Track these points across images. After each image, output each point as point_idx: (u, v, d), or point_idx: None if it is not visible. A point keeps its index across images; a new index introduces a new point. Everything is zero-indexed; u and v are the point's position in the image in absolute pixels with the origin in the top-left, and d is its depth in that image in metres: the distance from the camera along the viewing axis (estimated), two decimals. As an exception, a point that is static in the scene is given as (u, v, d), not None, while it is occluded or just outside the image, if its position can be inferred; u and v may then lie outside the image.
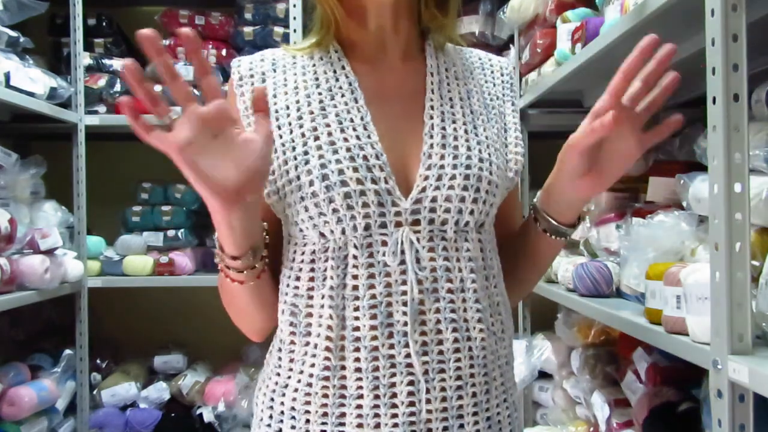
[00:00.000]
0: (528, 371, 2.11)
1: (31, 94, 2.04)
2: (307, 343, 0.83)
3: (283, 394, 0.84)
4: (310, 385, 0.82)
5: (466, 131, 0.86)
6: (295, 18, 2.34)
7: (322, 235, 0.82)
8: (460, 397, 0.82)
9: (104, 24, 2.57)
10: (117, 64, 2.54)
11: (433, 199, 0.82)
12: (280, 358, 0.86)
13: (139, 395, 2.46)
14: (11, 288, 1.93)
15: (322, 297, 0.81)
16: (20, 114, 2.30)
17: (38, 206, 2.22)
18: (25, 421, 2.05)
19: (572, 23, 1.80)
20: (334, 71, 0.88)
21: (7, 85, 1.93)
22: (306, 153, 0.82)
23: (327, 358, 0.81)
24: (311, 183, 0.81)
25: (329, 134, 0.82)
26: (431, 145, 0.84)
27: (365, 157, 0.81)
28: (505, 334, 0.89)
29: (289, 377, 0.84)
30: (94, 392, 2.43)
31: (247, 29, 2.47)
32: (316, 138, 0.82)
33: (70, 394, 2.35)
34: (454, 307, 0.82)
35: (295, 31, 2.34)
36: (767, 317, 1.00)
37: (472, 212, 0.83)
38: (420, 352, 0.80)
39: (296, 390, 0.83)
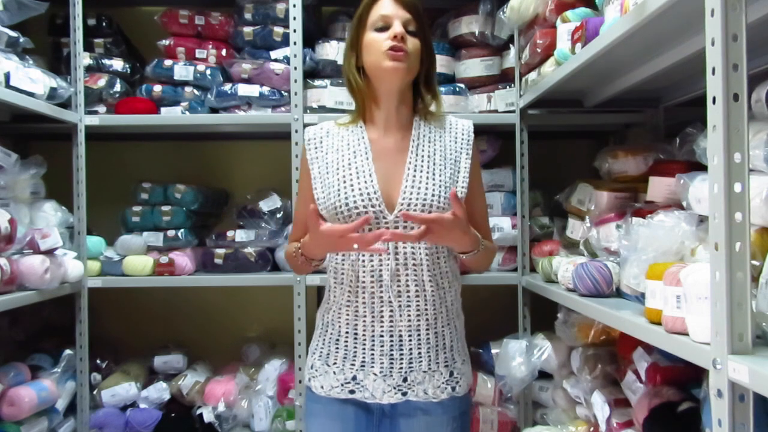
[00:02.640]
0: (528, 371, 2.11)
1: (31, 94, 2.04)
2: (342, 288, 1.55)
3: (329, 311, 1.59)
4: (340, 308, 1.56)
5: (428, 177, 1.54)
6: (295, 18, 2.34)
7: None
8: (418, 319, 1.53)
9: (104, 24, 2.56)
10: (117, 64, 2.54)
11: None
12: (328, 294, 1.61)
13: (139, 395, 2.46)
14: (11, 288, 1.93)
15: (349, 265, 1.53)
16: (20, 114, 2.29)
17: (38, 206, 2.22)
18: (25, 421, 2.05)
19: (572, 23, 1.80)
20: (358, 139, 1.59)
21: (7, 85, 1.93)
22: (339, 191, 1.53)
23: (348, 296, 1.54)
24: (342, 206, 1.52)
25: (351, 180, 1.53)
26: (405, 186, 1.53)
27: (369, 195, 1.51)
28: (451, 288, 1.58)
29: (332, 303, 1.58)
30: (94, 392, 2.43)
31: (247, 29, 2.47)
32: (344, 182, 1.54)
33: (70, 394, 2.34)
34: (416, 272, 1.52)
35: (294, 31, 2.34)
36: (767, 317, 1.00)
37: None
38: (396, 294, 1.51)
39: (334, 310, 1.58)
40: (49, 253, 2.07)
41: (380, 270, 1.51)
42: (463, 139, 1.62)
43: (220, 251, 2.46)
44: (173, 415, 2.45)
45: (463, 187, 1.56)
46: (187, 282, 2.45)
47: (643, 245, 1.41)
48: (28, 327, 2.54)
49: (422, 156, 1.55)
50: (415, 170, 1.53)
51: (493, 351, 2.36)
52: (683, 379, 1.53)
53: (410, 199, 1.51)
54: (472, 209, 1.61)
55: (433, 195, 1.51)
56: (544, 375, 2.17)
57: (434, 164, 1.55)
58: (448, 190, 1.52)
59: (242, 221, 2.53)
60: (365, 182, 1.52)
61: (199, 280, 2.45)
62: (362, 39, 1.55)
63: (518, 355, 2.15)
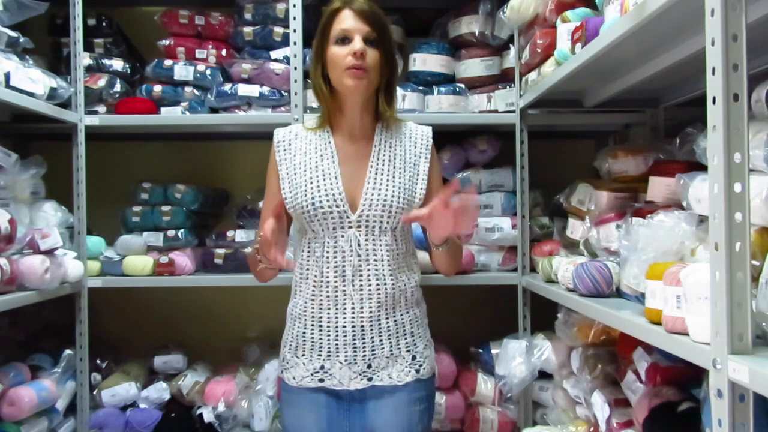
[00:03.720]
0: (528, 371, 2.11)
1: (31, 95, 2.04)
2: (306, 283, 1.67)
3: (296, 306, 1.70)
4: (305, 302, 1.67)
5: (388, 180, 1.66)
6: (295, 18, 2.34)
7: (312, 230, 1.66)
8: (378, 310, 1.63)
9: (104, 24, 2.56)
10: (117, 64, 2.54)
11: (368, 216, 1.63)
12: (294, 290, 1.72)
13: (139, 395, 2.46)
14: (11, 288, 1.93)
15: (314, 261, 1.66)
16: (20, 114, 2.29)
17: (38, 206, 2.21)
18: (25, 421, 2.05)
19: (572, 23, 1.80)
20: (325, 144, 1.70)
21: (7, 85, 1.93)
22: (306, 192, 1.64)
23: (313, 291, 1.65)
24: (309, 206, 1.63)
25: (318, 182, 1.64)
26: (367, 188, 1.64)
27: (334, 196, 1.63)
28: (410, 280, 1.69)
29: (298, 298, 1.70)
30: (94, 392, 2.43)
31: (247, 29, 2.46)
32: (311, 183, 1.64)
33: (70, 394, 2.34)
34: (377, 267, 1.63)
35: (294, 31, 2.34)
36: (767, 317, 1.00)
37: (387, 223, 1.64)
38: (358, 289, 1.62)
39: (300, 304, 1.68)
40: (49, 253, 2.07)
41: (343, 266, 1.62)
42: (421, 144, 1.74)
43: (220, 251, 2.46)
44: (173, 415, 2.45)
45: (421, 189, 1.70)
46: (187, 282, 2.45)
47: (643, 245, 1.41)
48: (28, 327, 2.54)
49: (383, 161, 1.67)
50: (376, 173, 1.66)
51: (493, 351, 2.36)
52: (683, 379, 1.53)
53: (371, 200, 1.63)
54: None
55: (393, 196, 1.64)
56: (544, 375, 2.17)
57: (394, 168, 1.67)
58: (407, 192, 1.67)
59: (242, 221, 2.53)
60: (331, 184, 1.63)
61: (199, 280, 2.45)
62: (326, 51, 1.64)
63: (518, 355, 2.15)
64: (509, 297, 2.37)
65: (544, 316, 2.17)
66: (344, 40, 1.62)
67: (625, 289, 1.56)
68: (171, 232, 2.48)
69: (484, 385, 2.37)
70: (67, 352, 2.35)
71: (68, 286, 2.25)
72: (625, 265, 1.52)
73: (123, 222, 2.50)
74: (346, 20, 1.62)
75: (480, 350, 2.43)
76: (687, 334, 1.11)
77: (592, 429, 1.88)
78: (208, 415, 2.40)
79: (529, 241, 2.37)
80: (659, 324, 1.21)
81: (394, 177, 1.66)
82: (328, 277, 1.62)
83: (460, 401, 2.38)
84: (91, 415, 2.39)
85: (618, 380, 1.76)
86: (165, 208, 2.49)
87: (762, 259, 1.04)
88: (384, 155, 1.68)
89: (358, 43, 1.60)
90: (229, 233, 2.49)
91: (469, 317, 2.57)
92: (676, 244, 1.35)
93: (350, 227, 1.62)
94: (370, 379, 1.64)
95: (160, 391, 2.47)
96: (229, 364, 2.63)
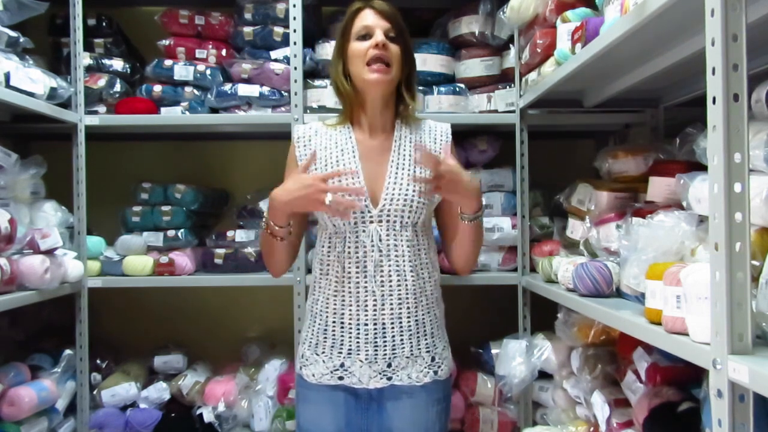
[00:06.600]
0: (528, 371, 2.11)
1: (31, 94, 2.04)
2: (328, 279, 1.67)
3: (316, 302, 1.71)
4: (327, 299, 1.67)
5: (409, 174, 1.66)
6: (295, 18, 2.34)
7: (334, 225, 1.66)
8: (400, 307, 1.64)
9: (104, 24, 2.56)
10: (117, 64, 2.54)
11: (389, 211, 1.64)
12: (314, 286, 1.73)
13: (139, 395, 2.46)
14: (11, 288, 1.93)
15: (335, 256, 1.66)
16: (20, 114, 2.29)
17: (38, 206, 2.21)
18: (25, 421, 2.05)
19: (572, 23, 1.80)
20: (345, 140, 1.71)
21: (7, 85, 1.93)
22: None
23: (335, 286, 1.65)
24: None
25: (339, 177, 1.65)
26: (388, 183, 1.66)
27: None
28: (431, 278, 1.70)
29: (319, 294, 1.70)
30: (94, 392, 2.43)
31: (247, 29, 2.46)
32: (332, 178, 1.62)
33: (70, 394, 2.34)
34: (398, 263, 1.64)
35: (295, 31, 2.34)
36: (767, 317, 1.00)
37: (409, 217, 1.65)
38: (379, 284, 1.63)
39: (321, 301, 1.69)
40: (49, 253, 2.07)
41: (365, 261, 1.63)
42: (441, 140, 1.76)
43: (220, 251, 2.46)
44: (173, 415, 2.45)
45: None
46: (187, 282, 2.45)
47: (643, 245, 1.41)
48: (28, 327, 2.54)
49: (404, 156, 1.69)
50: (397, 168, 1.67)
51: (493, 351, 2.36)
52: (683, 379, 1.53)
53: (393, 194, 1.64)
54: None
55: (414, 191, 1.65)
56: (544, 375, 2.17)
57: (415, 163, 1.68)
58: (427, 187, 1.61)
59: (242, 221, 2.53)
60: (352, 179, 1.65)
61: (199, 280, 2.45)
62: (347, 48, 1.69)
63: (518, 355, 2.15)
64: (509, 297, 2.37)
65: (544, 316, 2.17)
66: (365, 36, 1.66)
67: (625, 289, 1.56)
68: (171, 232, 2.48)
69: (484, 385, 2.37)
70: (67, 352, 2.35)
71: (68, 286, 2.25)
72: (625, 265, 1.52)
73: (123, 222, 2.50)
74: (368, 17, 1.68)
75: (480, 350, 2.43)
76: (687, 334, 1.11)
77: (592, 429, 1.88)
78: (208, 415, 2.40)
79: (529, 241, 2.37)
80: (659, 324, 1.21)
81: (415, 172, 1.67)
82: (350, 272, 1.63)
83: (460, 401, 2.38)
84: (91, 415, 2.39)
85: (618, 380, 1.76)
86: (165, 208, 2.49)
87: (762, 259, 1.04)
88: (404, 150, 1.70)
89: (379, 36, 1.64)
90: (229, 233, 2.50)
91: (469, 317, 2.56)
92: (676, 244, 1.35)
93: (371, 222, 1.63)
94: (389, 379, 1.64)
95: (160, 391, 2.48)
96: (229, 364, 2.63)
